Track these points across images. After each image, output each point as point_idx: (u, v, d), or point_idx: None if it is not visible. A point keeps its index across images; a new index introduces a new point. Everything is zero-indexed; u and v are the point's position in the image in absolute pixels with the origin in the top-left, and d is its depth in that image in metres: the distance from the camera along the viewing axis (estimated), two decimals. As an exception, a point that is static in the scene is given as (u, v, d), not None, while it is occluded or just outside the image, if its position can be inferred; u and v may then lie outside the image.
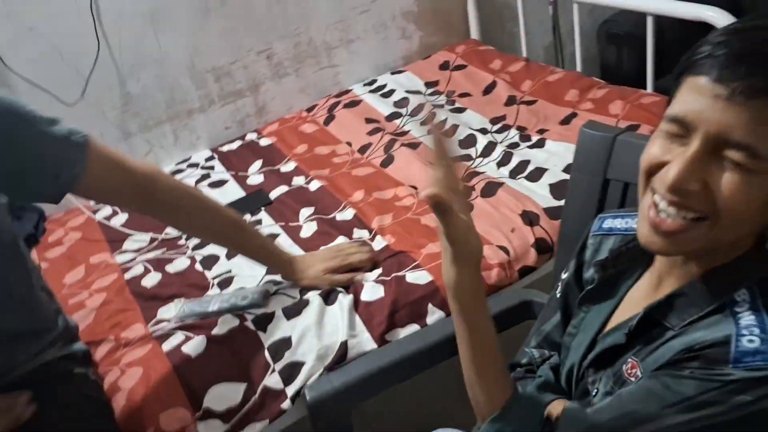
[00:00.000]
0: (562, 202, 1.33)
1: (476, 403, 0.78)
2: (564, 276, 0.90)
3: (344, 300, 1.19)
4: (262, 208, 1.59)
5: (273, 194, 1.63)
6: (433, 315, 1.17)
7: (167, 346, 1.18)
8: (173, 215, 1.12)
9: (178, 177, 1.79)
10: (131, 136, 1.82)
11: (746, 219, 0.60)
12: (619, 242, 0.82)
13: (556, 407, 0.76)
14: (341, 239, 1.38)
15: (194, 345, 1.16)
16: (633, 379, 0.68)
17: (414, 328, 1.16)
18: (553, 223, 1.28)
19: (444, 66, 2.04)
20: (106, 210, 1.68)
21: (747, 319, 0.61)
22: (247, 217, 1.57)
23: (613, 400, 0.67)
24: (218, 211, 1.15)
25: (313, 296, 1.21)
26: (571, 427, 0.70)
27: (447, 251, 0.72)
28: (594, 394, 0.74)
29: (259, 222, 1.54)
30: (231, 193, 1.68)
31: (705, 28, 1.41)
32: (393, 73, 2.08)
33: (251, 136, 1.93)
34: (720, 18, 1.34)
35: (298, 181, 1.66)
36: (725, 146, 0.57)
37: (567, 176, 1.38)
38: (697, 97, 0.57)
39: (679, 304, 0.67)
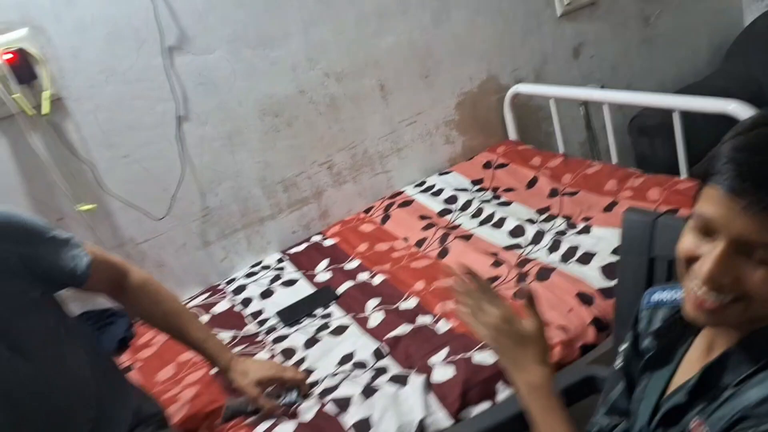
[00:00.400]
0: (613, 282, 1.43)
1: None
2: (622, 348, 0.99)
3: (416, 380, 1.29)
4: (332, 303, 1.73)
5: (339, 290, 1.77)
6: (503, 393, 1.26)
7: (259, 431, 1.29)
8: (136, 301, 1.26)
9: (252, 279, 1.97)
10: (210, 244, 2.02)
11: None
12: (669, 313, 0.91)
13: None
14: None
15: (283, 429, 1.27)
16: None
17: (486, 405, 1.25)
18: (608, 302, 1.38)
19: (487, 165, 2.22)
20: (190, 312, 1.84)
21: None
22: (319, 311, 1.71)
23: None
24: (172, 302, 1.30)
25: (385, 380, 1.32)
26: None
27: (536, 353, 0.92)
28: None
29: (329, 315, 1.68)
30: (301, 290, 1.83)
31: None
32: (440, 174, 2.27)
33: (316, 238, 2.10)
34: (741, 111, 1.48)
35: (363, 276, 1.81)
36: (749, 245, 0.66)
37: (615, 258, 1.50)
38: (716, 204, 0.67)
39: (731, 364, 0.74)
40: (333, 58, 2.08)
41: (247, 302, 1.86)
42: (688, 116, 1.75)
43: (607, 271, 1.48)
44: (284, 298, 1.82)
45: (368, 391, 1.31)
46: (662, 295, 0.96)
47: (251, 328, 1.73)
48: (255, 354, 1.59)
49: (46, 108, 1.69)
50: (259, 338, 1.67)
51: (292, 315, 1.72)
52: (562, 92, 2.14)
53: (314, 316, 1.70)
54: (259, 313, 1.80)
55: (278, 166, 2.08)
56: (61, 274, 1.11)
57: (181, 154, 1.93)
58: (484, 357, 1.31)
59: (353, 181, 2.21)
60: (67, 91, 1.77)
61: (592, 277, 1.48)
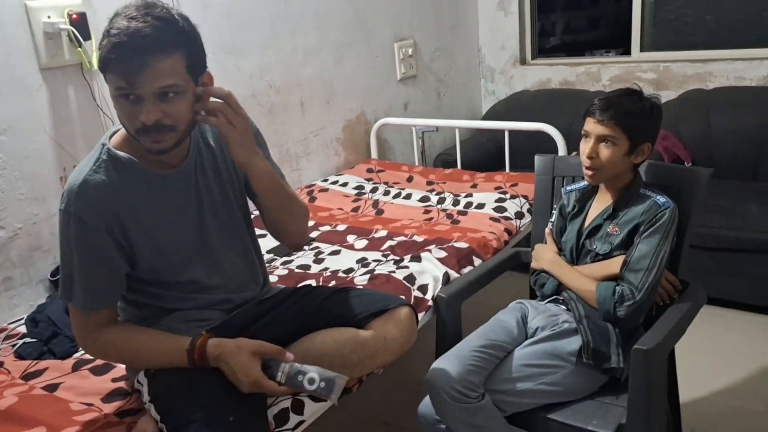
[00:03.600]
0: (505, 214, 2.42)
1: (587, 292, 1.70)
2: (552, 219, 1.95)
3: (426, 255, 2.03)
4: (312, 242, 2.30)
5: (312, 235, 2.35)
6: (478, 261, 2.09)
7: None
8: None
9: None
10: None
11: (616, 165, 1.70)
12: (579, 192, 1.92)
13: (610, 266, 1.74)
14: (390, 242, 2.21)
15: (359, 281, 1.85)
16: (615, 232, 1.74)
17: (469, 267, 2.05)
18: (506, 222, 2.35)
19: (369, 170, 3.05)
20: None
21: (653, 195, 1.70)
22: (305, 247, 2.26)
23: (638, 254, 1.66)
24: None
25: (406, 261, 2.03)
26: (633, 269, 1.65)
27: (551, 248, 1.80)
28: (595, 248, 1.78)
29: (318, 247, 2.25)
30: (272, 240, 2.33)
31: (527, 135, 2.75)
32: (336, 175, 3.01)
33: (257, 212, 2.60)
34: (552, 131, 2.67)
35: (325, 228, 2.42)
36: (602, 138, 1.67)
37: (501, 204, 2.49)
38: (589, 124, 1.64)
39: (620, 202, 1.77)
40: (275, 75, 2.72)
41: (231, 248, 2.28)
42: (470, 155, 2.92)
43: (497, 210, 2.45)
44: (263, 243, 2.30)
45: (399, 268, 1.98)
46: (572, 186, 1.96)
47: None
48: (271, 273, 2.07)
49: (96, 64, 1.97)
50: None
51: (282, 250, 2.24)
52: (422, 122, 3.14)
53: (303, 250, 2.25)
54: (250, 252, 2.24)
55: (233, 151, 2.57)
56: None
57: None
58: (460, 244, 2.13)
59: (279, 173, 2.79)
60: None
61: (491, 213, 2.44)
